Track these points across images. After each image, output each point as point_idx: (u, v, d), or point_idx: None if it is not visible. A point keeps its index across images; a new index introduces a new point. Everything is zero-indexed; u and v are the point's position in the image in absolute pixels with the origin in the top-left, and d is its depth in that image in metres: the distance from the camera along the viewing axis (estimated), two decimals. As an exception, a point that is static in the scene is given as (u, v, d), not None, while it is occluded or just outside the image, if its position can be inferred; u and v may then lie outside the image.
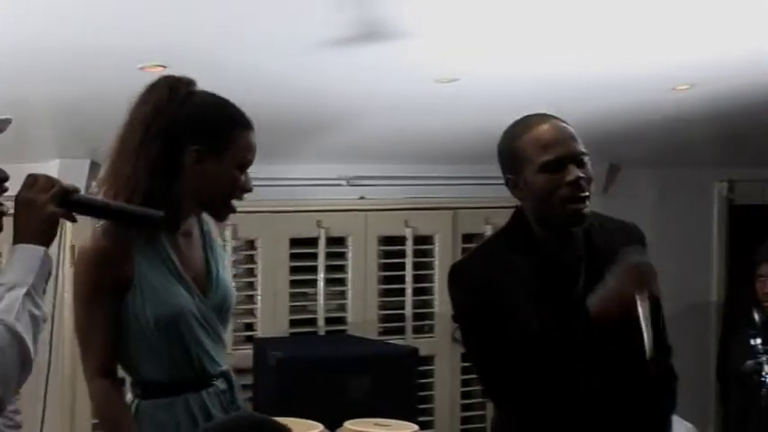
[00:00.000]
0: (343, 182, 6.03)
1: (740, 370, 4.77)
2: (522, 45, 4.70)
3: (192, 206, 3.35)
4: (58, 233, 5.29)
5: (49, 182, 2.86)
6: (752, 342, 4.55)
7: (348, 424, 4.69)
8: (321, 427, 4.60)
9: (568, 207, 3.25)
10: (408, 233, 6.33)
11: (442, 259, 6.37)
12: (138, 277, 3.25)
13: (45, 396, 5.30)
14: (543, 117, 3.38)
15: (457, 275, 3.47)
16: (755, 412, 4.71)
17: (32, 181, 2.88)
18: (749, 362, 4.65)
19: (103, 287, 3.25)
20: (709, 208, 7.20)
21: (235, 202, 3.34)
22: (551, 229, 3.33)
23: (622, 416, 3.32)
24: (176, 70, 4.34)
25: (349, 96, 5.10)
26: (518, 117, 3.43)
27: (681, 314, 5.48)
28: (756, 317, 4.67)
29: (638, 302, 3.17)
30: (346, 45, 4.33)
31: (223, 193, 3.32)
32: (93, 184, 5.26)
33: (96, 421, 3.40)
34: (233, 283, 3.47)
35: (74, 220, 2.86)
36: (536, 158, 3.28)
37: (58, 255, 5.34)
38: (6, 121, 2.98)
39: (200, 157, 3.27)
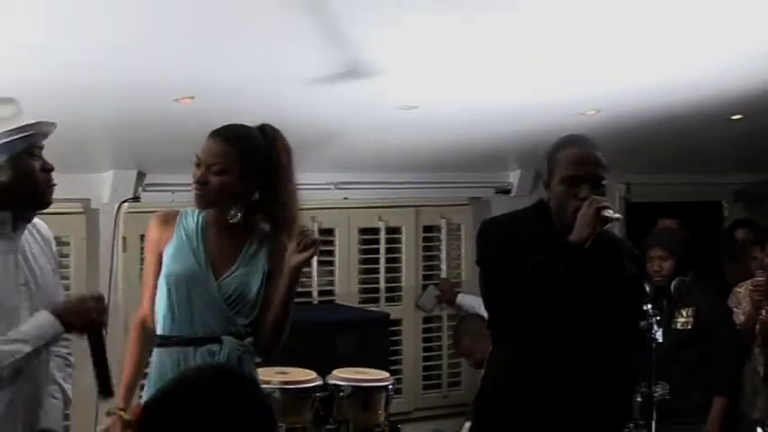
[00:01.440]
0: (331, 186, 5.99)
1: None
2: (464, 81, 4.70)
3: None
4: (112, 228, 5.30)
5: (101, 312, 2.93)
6: (643, 308, 4.53)
7: (336, 372, 4.68)
8: (315, 374, 4.59)
9: (575, 216, 3.24)
10: (382, 225, 6.31)
11: (408, 245, 6.37)
12: (172, 242, 3.31)
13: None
14: (579, 140, 3.39)
15: (486, 227, 3.49)
16: (648, 361, 4.72)
17: (99, 298, 2.96)
18: (642, 322, 4.64)
19: (153, 243, 3.37)
20: (611, 204, 7.21)
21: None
22: (562, 225, 3.31)
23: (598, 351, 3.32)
24: (202, 101, 4.37)
25: (335, 120, 5.09)
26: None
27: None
28: (647, 288, 4.66)
29: (603, 212, 3.19)
30: (333, 80, 4.33)
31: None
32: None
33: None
34: (251, 283, 3.35)
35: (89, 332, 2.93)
36: (561, 172, 3.28)
37: (113, 244, 5.30)
38: (51, 124, 2.97)
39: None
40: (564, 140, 3.40)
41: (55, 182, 3.01)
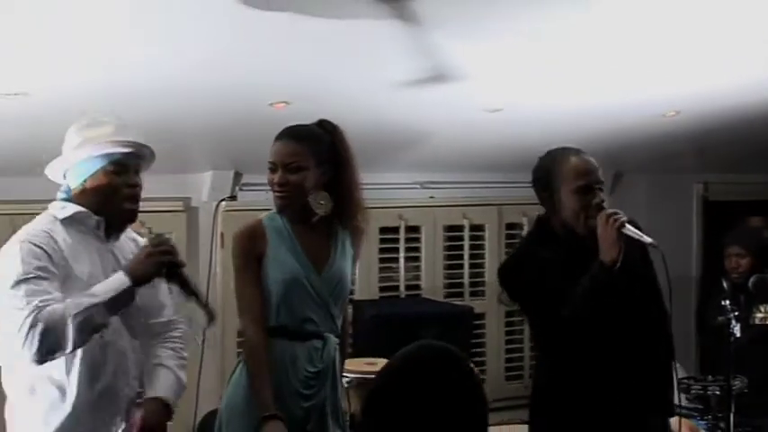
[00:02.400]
0: (418, 185, 6.02)
1: (714, 325, 4.72)
2: (546, 84, 4.70)
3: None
4: (212, 223, 5.39)
5: (169, 249, 2.93)
6: (723, 303, 4.49)
7: (422, 362, 4.69)
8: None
9: (590, 222, 3.25)
10: (466, 223, 6.31)
11: (491, 242, 6.37)
12: (269, 250, 3.27)
13: (203, 344, 5.33)
14: (575, 150, 3.37)
15: (504, 274, 3.44)
16: (726, 356, 4.67)
17: (159, 241, 2.98)
18: (720, 317, 4.60)
19: (249, 257, 3.28)
20: (689, 203, 7.13)
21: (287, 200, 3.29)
22: (572, 231, 3.31)
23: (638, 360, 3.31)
24: (297, 105, 4.42)
25: (422, 122, 5.11)
26: (557, 141, 3.45)
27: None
28: (725, 285, 4.62)
29: (623, 229, 3.17)
30: (420, 84, 4.36)
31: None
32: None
33: (243, 353, 3.37)
34: (348, 272, 3.39)
35: (167, 278, 2.95)
36: (572, 183, 3.27)
37: (212, 239, 5.39)
38: (138, 145, 3.01)
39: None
40: (560, 153, 3.38)
41: (139, 196, 3.03)
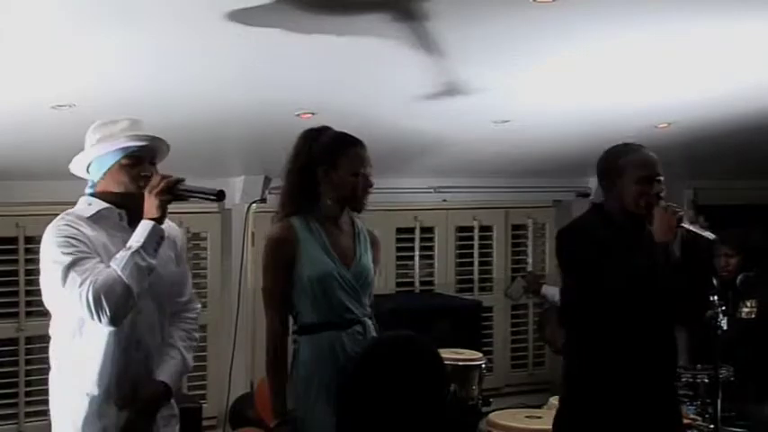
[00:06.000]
0: (432, 190, 6.00)
1: (703, 318, 4.67)
2: (552, 100, 4.67)
3: (335, 207, 3.32)
4: (243, 225, 5.36)
5: (159, 178, 2.91)
6: (711, 299, 4.44)
7: (435, 352, 4.68)
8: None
9: (647, 209, 3.28)
10: (476, 224, 6.28)
11: (498, 242, 6.34)
12: (301, 252, 3.24)
13: (235, 334, 5.35)
14: (639, 146, 3.39)
15: (566, 235, 3.41)
16: (714, 347, 4.63)
17: (148, 180, 2.93)
18: (709, 311, 4.56)
19: (278, 261, 3.26)
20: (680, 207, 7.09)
21: (365, 198, 3.30)
22: (630, 217, 3.31)
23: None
24: (322, 115, 4.40)
25: (436, 132, 5.08)
26: (613, 144, 3.44)
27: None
28: (714, 282, 4.57)
29: (682, 221, 3.22)
30: (434, 98, 4.33)
31: (346, 194, 3.29)
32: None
33: (266, 349, 3.32)
34: (371, 265, 3.38)
35: (180, 199, 2.92)
36: (636, 174, 3.29)
37: (243, 238, 5.39)
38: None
39: (325, 174, 3.28)
40: (626, 148, 3.39)
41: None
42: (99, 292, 2.77)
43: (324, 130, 3.37)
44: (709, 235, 3.26)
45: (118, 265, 2.82)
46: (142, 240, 2.85)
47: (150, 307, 3.00)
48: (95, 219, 2.96)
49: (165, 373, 3.05)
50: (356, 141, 3.32)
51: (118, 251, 2.88)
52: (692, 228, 3.26)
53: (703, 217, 3.26)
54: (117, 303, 2.79)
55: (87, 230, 2.92)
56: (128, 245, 2.86)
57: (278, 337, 3.25)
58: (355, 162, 3.28)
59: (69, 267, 2.81)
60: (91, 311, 2.78)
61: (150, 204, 2.89)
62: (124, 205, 2.98)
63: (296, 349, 3.30)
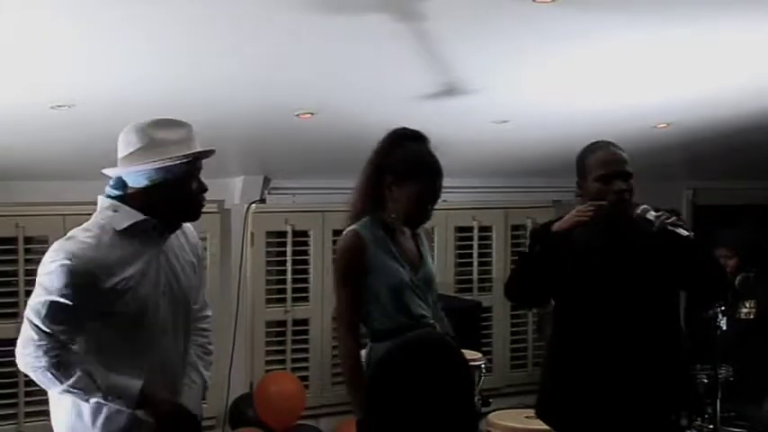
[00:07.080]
0: (431, 190, 6.00)
1: (703, 317, 4.68)
2: (550, 100, 4.67)
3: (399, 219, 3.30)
4: (243, 223, 5.31)
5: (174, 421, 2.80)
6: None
7: (435, 352, 4.65)
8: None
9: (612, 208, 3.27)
10: (475, 224, 6.26)
11: (498, 242, 6.32)
12: (374, 262, 3.22)
13: (234, 334, 5.35)
14: (605, 144, 3.38)
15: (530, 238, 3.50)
16: (713, 347, 4.63)
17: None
18: (709, 311, 4.57)
19: (349, 271, 3.23)
20: (679, 207, 7.08)
21: (428, 213, 3.32)
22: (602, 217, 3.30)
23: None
24: (322, 115, 4.39)
25: (435, 133, 5.04)
26: (587, 143, 3.42)
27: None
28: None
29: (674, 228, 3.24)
30: (433, 97, 4.32)
31: (410, 211, 3.27)
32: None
33: (340, 359, 3.31)
34: (433, 266, 3.41)
35: None
36: (594, 171, 3.28)
37: (243, 238, 5.38)
38: (211, 151, 2.89)
39: (390, 185, 3.26)
40: (592, 146, 3.39)
41: (204, 199, 2.88)
42: (52, 371, 2.67)
43: (415, 137, 3.39)
44: (683, 232, 3.25)
45: (79, 380, 2.68)
46: (113, 391, 2.70)
47: (167, 312, 2.85)
48: (126, 231, 2.74)
49: (191, 402, 2.91)
50: (436, 170, 3.34)
51: (140, 262, 2.74)
52: (667, 224, 3.25)
53: (677, 216, 3.22)
54: (55, 378, 2.69)
55: (105, 252, 2.70)
56: (108, 381, 2.69)
57: (354, 357, 3.22)
58: (425, 189, 3.31)
59: (46, 334, 2.65)
60: (36, 374, 2.70)
61: (154, 413, 2.75)
62: (159, 216, 2.78)
63: (369, 354, 3.27)
